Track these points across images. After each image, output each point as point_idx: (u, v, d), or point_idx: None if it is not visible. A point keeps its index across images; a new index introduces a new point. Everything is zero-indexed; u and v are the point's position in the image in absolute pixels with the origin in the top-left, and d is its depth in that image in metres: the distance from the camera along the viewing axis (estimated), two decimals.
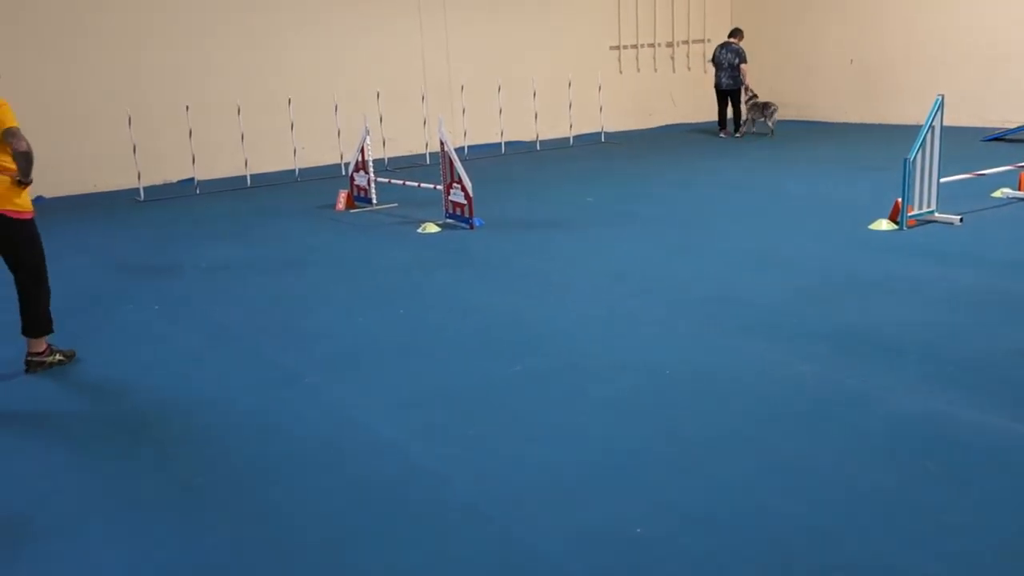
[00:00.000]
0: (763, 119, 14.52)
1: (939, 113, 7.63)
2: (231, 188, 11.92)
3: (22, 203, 5.04)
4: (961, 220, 7.66)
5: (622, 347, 5.08)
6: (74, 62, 11.82)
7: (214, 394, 4.70)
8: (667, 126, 16.97)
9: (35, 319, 5.21)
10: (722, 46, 14.58)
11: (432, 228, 8.50)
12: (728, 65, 14.42)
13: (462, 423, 4.15)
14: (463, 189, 8.45)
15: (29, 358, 5.23)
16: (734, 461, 3.65)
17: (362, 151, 9.94)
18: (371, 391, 4.61)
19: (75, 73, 11.83)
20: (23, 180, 4.96)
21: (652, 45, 16.67)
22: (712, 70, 14.78)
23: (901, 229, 7.58)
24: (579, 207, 9.50)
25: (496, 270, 7.00)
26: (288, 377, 4.88)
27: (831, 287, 6.08)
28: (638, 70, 16.67)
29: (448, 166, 8.61)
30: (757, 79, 17.59)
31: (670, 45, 17.06)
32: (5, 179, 4.95)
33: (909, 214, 7.62)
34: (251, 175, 12.22)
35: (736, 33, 14.68)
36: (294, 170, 12.61)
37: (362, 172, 10.01)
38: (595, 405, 4.28)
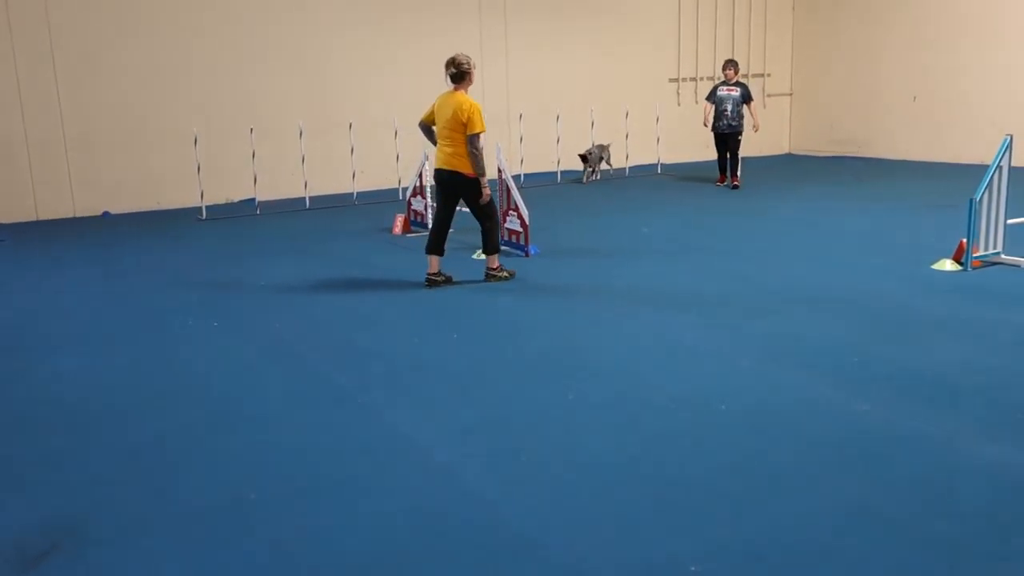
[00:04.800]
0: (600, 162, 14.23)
1: (1007, 153, 7.48)
2: (290, 209, 12.11)
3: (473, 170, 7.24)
4: None
5: (679, 379, 5.03)
6: (144, 83, 12.14)
7: (268, 410, 4.75)
8: None
9: (489, 242, 7.52)
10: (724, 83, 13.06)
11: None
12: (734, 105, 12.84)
13: (515, 450, 4.14)
14: (519, 217, 8.48)
15: (487, 271, 7.58)
16: (791, 500, 3.58)
17: (420, 176, 10.03)
18: (424, 414, 4.63)
19: (145, 94, 12.15)
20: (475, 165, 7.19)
21: (712, 78, 16.63)
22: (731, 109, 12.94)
23: (965, 270, 7.43)
24: (635, 237, 9.47)
25: (551, 297, 6.99)
26: (341, 396, 4.92)
27: (893, 326, 5.97)
28: (696, 102, 16.61)
29: (505, 193, 8.65)
30: (820, 115, 17.47)
31: None
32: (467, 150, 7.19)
33: (974, 255, 7.47)
34: (310, 197, 12.40)
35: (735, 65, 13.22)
36: (352, 193, 12.78)
37: (419, 197, 10.10)
38: (650, 437, 4.24)
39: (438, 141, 7.38)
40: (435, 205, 7.55)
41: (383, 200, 12.57)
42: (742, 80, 13.30)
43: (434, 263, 7.45)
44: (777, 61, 17.63)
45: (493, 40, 14.59)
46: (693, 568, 3.10)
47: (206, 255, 9.16)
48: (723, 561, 3.14)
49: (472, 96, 7.36)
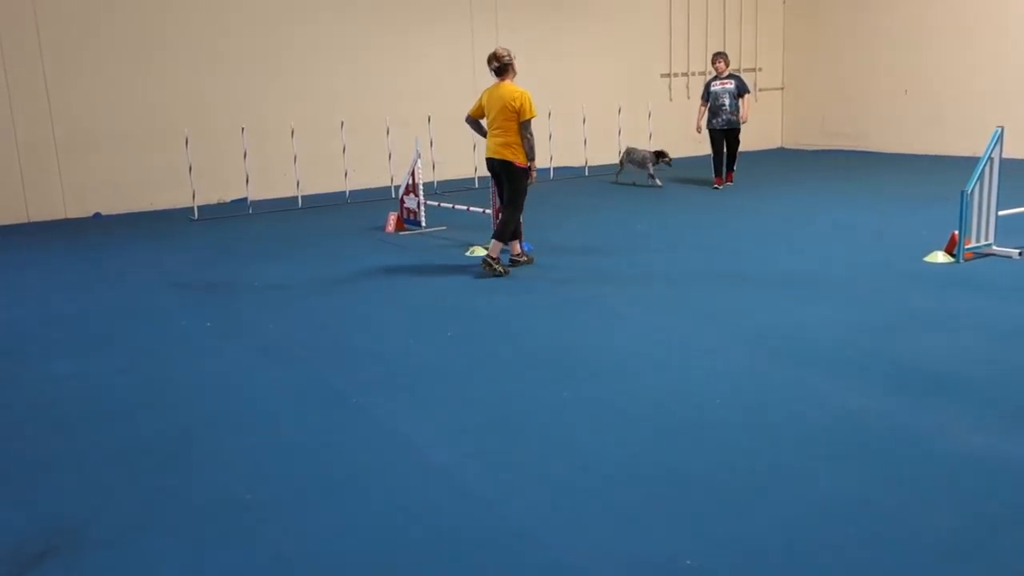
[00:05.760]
0: (653, 166, 13.04)
1: (998, 145, 7.51)
2: (283, 208, 12.09)
3: (522, 159, 7.61)
4: (1020, 254, 7.51)
5: (674, 376, 5.04)
6: (135, 84, 12.10)
7: (263, 411, 4.74)
8: None
9: (501, 228, 7.75)
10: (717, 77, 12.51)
11: (480, 251, 8.52)
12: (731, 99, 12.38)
13: (511, 448, 4.15)
14: None
15: (486, 258, 7.66)
16: (788, 496, 3.59)
17: (412, 174, 10.03)
18: (420, 414, 4.62)
19: (135, 94, 12.11)
20: (528, 151, 7.64)
21: (703, 73, 16.64)
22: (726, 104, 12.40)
23: (958, 262, 7.45)
24: (629, 234, 9.48)
25: (545, 295, 7.00)
26: (338, 396, 4.91)
27: (886, 319, 5.99)
28: (688, 98, 16.65)
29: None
30: (812, 109, 17.50)
31: None
32: (518, 140, 7.60)
33: (966, 247, 7.50)
34: (303, 196, 12.38)
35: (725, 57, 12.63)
36: (345, 192, 12.76)
37: (412, 195, 10.09)
38: (648, 435, 4.25)
39: (489, 131, 7.79)
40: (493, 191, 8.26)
41: (376, 199, 12.57)
42: (735, 72, 13.07)
43: (515, 246, 8.00)
44: (768, 55, 17.65)
45: (485, 39, 14.57)
46: (689, 562, 3.11)
47: (199, 256, 9.14)
48: (719, 557, 3.15)
49: (518, 84, 7.75)
